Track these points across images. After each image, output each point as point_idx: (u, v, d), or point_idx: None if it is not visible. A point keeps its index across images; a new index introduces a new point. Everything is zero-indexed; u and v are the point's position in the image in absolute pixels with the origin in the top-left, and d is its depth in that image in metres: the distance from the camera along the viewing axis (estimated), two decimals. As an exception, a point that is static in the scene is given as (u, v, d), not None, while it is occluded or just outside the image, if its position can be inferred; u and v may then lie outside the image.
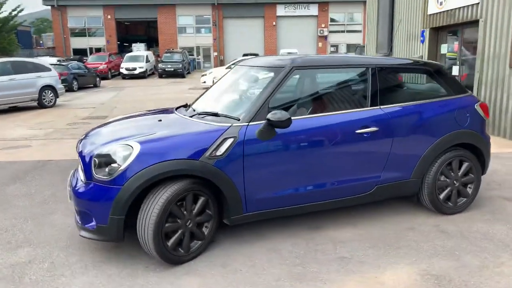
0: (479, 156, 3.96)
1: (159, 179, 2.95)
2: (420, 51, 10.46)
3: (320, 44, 33.00)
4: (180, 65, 27.51)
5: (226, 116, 3.33)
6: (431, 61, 5.02)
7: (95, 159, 3.05)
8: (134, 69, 27.13)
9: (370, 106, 3.56)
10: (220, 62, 33.70)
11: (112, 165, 2.98)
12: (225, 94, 3.91)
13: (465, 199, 3.96)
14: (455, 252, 3.23)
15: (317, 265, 3.07)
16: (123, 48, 36.42)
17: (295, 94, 3.57)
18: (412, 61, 4.08)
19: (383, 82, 3.64)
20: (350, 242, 3.43)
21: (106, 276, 2.97)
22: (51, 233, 3.68)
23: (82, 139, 3.58)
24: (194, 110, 3.72)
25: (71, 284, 2.88)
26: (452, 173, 3.85)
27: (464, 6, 8.38)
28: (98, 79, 22.31)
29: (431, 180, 3.78)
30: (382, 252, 3.25)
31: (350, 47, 32.56)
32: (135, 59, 28.00)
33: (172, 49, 30.80)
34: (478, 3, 7.88)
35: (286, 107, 3.40)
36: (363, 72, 3.63)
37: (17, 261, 3.20)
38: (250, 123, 3.19)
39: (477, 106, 3.95)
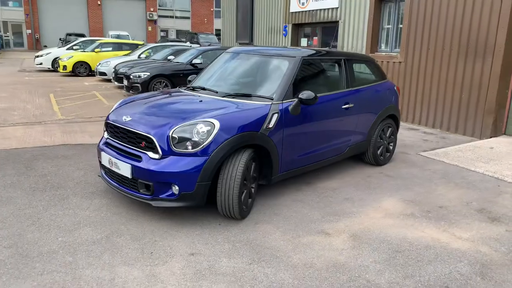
0: (396, 122, 5.68)
1: (236, 149, 3.55)
2: (282, 43, 12.28)
3: (150, 28, 32.75)
4: (-11, 43, 23.63)
5: (259, 96, 4.06)
6: (369, 55, 6.51)
7: (174, 136, 3.42)
8: None
9: (346, 88, 4.80)
10: (36, 41, 30.02)
11: (193, 139, 3.42)
12: (237, 77, 4.54)
13: (389, 154, 5.64)
14: (407, 186, 4.80)
15: (337, 205, 4.19)
16: None
17: (303, 79, 4.50)
18: (361, 54, 5.48)
19: (350, 69, 4.93)
20: (341, 189, 4.64)
21: (196, 235, 3.44)
22: (91, 215, 3.75)
23: (126, 120, 3.74)
24: (217, 92, 4.28)
25: (180, 243, 3.27)
26: (384, 136, 5.46)
27: (325, 9, 10.42)
28: None
29: (374, 141, 5.29)
30: (367, 192, 4.57)
31: (179, 33, 33.36)
32: None
33: (-26, 24, 25.95)
34: (338, 7, 9.98)
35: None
36: (339, 62, 4.83)
37: (104, 235, 3.31)
38: (283, 101, 4.03)
39: (395, 88, 5.65)
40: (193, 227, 3.59)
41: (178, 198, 3.45)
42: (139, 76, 10.50)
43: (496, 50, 6.74)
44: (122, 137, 3.77)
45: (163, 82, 10.62)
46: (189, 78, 5.17)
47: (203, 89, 4.46)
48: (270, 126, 3.83)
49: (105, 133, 4.10)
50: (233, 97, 4.12)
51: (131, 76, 10.58)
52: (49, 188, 4.30)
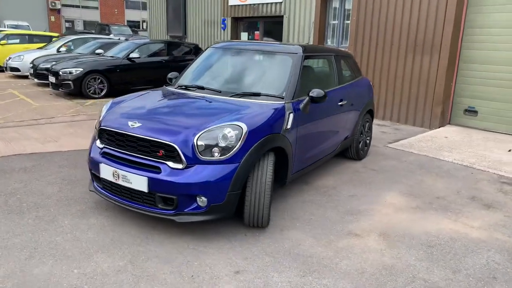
0: (372, 116, 5.83)
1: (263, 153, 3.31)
2: (220, 37, 11.98)
3: (53, 18, 29.85)
4: None
5: (269, 96, 3.83)
6: (349, 51, 6.55)
7: (200, 142, 3.08)
8: None
9: (338, 84, 4.78)
10: None
11: (221, 145, 3.11)
12: (236, 75, 4.22)
13: (367, 147, 5.77)
14: (396, 179, 4.94)
15: (346, 203, 4.15)
16: None
17: (304, 76, 4.34)
18: (343, 50, 5.48)
19: (339, 65, 4.91)
20: (340, 186, 4.62)
21: (227, 249, 3.14)
22: (96, 238, 3.24)
23: (133, 126, 3.26)
24: (220, 92, 3.95)
25: (217, 261, 2.95)
26: (364, 130, 5.57)
27: (267, 3, 10.35)
28: None
29: (357, 136, 5.37)
30: (366, 188, 4.61)
31: (87, 24, 30.92)
32: None
33: None
34: (282, 2, 9.98)
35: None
36: (330, 58, 4.78)
37: (127, 261, 2.85)
38: (293, 100, 3.86)
39: (371, 83, 5.78)
40: (219, 241, 3.28)
41: (206, 211, 3.12)
42: (70, 72, 9.47)
43: (443, 45, 7.26)
44: (130, 146, 3.29)
45: (98, 79, 9.70)
46: (170, 75, 4.72)
47: (202, 88, 4.09)
48: (289, 126, 3.65)
49: (98, 141, 3.56)
50: (240, 97, 3.84)
51: (61, 73, 9.49)
52: (27, 210, 3.62)
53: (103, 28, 28.13)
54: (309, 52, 4.34)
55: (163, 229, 3.39)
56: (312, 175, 4.90)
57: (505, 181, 5.02)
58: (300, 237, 3.40)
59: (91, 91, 9.64)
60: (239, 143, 3.13)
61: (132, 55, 10.18)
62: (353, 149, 5.41)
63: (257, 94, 3.85)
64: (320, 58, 4.66)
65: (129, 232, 3.33)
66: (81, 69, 9.51)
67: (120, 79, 9.99)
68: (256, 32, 11.20)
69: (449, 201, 4.34)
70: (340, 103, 4.65)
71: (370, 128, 5.77)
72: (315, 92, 3.87)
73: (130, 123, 3.32)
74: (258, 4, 10.56)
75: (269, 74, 4.14)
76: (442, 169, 5.39)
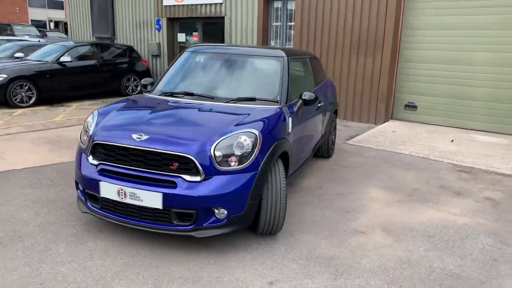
0: (336, 115, 6.04)
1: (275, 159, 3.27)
2: (154, 38, 11.52)
3: None
4: None
5: (265, 100, 3.79)
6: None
7: (217, 152, 2.95)
8: None
9: (314, 86, 4.88)
10: None
11: (238, 153, 3.01)
12: (224, 80, 4.08)
13: (333, 145, 5.98)
14: (369, 174, 5.19)
15: (337, 202, 4.26)
16: None
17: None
18: (309, 52, 5.58)
19: (314, 68, 5.01)
20: (324, 186, 4.73)
21: (250, 260, 3.06)
22: (105, 263, 2.94)
23: (140, 139, 3.00)
24: (213, 98, 3.81)
25: (244, 274, 2.84)
26: (332, 129, 5.76)
27: (206, 4, 10.19)
28: None
29: (327, 135, 5.54)
30: (348, 185, 4.78)
31: (-16, 24, 27.68)
32: None
33: None
34: (222, 3, 9.88)
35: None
36: (305, 61, 4.86)
37: (152, 285, 2.62)
38: (287, 104, 3.87)
39: (334, 83, 5.98)
40: (237, 252, 3.17)
41: (226, 223, 3.00)
42: (-8, 79, 8.44)
43: (385, 45, 7.76)
44: (136, 161, 3.03)
45: (26, 85, 8.78)
46: (143, 82, 4.44)
47: (191, 94, 3.91)
48: (290, 130, 3.65)
49: (90, 157, 3.23)
50: (234, 102, 3.74)
51: (-21, 80, 8.42)
52: (8, 240, 3.16)
53: (3, 28, 25.46)
54: (289, 55, 4.37)
55: (175, 247, 3.19)
56: (296, 175, 4.93)
57: (460, 169, 5.53)
58: (312, 240, 3.42)
59: (17, 100, 8.70)
60: (256, 151, 3.06)
61: (63, 58, 9.39)
62: (324, 148, 5.56)
63: (252, 99, 3.78)
64: (298, 61, 4.71)
65: (139, 253, 3.08)
66: (5, 75, 8.53)
67: (51, 85, 9.15)
68: (195, 33, 10.96)
69: (424, 191, 4.67)
70: (319, 104, 4.75)
71: (335, 127, 5.98)
72: (307, 95, 3.92)
73: (134, 136, 3.06)
74: (197, 4, 10.33)
75: (259, 78, 4.10)
76: (404, 161, 5.77)
